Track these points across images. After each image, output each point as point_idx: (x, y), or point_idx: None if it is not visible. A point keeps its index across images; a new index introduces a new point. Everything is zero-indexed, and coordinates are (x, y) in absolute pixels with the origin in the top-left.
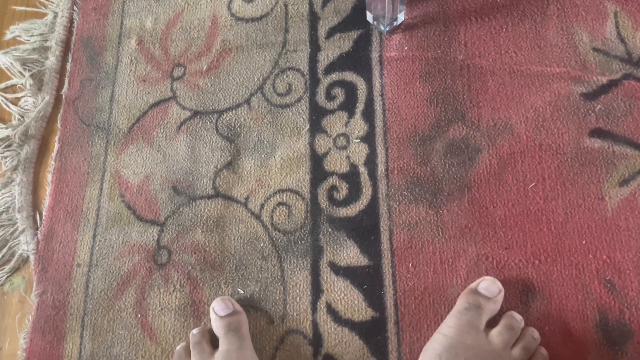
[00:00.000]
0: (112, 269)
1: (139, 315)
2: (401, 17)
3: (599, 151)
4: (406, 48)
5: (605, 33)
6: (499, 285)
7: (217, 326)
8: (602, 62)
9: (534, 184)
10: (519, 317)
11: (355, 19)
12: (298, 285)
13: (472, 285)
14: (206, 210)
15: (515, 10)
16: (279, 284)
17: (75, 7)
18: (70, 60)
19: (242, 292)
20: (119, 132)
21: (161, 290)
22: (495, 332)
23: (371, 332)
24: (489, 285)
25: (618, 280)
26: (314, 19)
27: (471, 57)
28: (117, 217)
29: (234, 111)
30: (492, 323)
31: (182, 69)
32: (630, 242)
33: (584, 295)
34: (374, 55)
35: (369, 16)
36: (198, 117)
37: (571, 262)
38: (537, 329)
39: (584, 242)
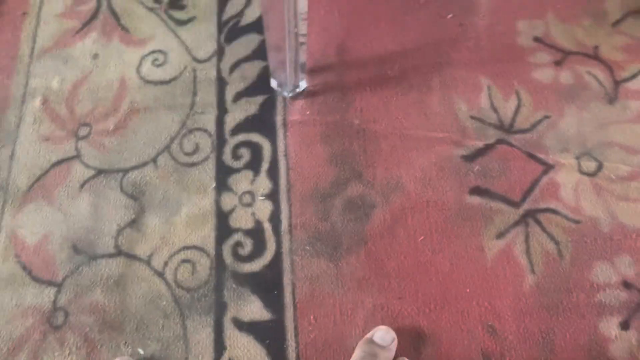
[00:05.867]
0: (2, 333)
1: None
2: (303, 85)
3: (478, 207)
4: (308, 112)
5: (480, 103)
6: (393, 334)
7: None
8: (479, 129)
9: (422, 237)
10: None
11: (260, 85)
12: (200, 343)
13: (368, 335)
14: (107, 269)
15: (403, 81)
16: (181, 342)
17: None
18: None
19: (142, 352)
20: (18, 191)
21: (55, 354)
22: None
23: None
24: (383, 335)
25: (499, 325)
26: (221, 83)
27: (366, 122)
28: (11, 278)
29: (139, 170)
30: None
31: (88, 128)
32: (508, 289)
33: (470, 340)
34: (278, 118)
35: (274, 82)
36: (102, 175)
37: (457, 309)
38: None
39: (468, 290)
